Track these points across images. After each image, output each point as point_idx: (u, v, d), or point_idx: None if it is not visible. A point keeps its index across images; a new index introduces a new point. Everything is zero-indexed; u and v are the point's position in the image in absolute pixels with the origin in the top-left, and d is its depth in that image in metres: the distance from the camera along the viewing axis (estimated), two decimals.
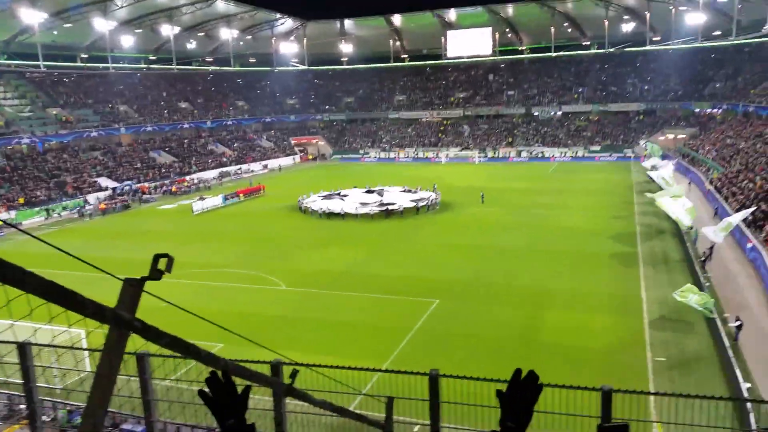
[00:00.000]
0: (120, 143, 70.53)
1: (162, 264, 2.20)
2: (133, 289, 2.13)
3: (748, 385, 16.14)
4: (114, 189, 57.85)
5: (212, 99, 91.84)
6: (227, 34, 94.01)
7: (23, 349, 7.88)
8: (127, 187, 58.60)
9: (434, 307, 25.34)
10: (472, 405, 6.92)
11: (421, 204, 47.01)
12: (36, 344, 7.73)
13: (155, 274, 2.17)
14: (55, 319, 2.11)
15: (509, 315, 24.22)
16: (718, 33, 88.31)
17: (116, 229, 45.82)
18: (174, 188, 61.43)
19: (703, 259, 28.78)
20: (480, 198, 49.13)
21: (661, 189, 39.50)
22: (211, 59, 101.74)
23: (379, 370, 9.86)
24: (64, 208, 51.22)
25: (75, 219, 49.96)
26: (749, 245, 29.30)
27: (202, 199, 52.65)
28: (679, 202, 32.61)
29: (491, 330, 22.71)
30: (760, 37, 77.94)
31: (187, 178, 65.88)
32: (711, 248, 29.62)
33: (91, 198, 54.45)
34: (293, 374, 4.18)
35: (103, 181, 58.85)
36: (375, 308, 25.82)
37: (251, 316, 24.56)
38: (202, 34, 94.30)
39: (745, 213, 29.50)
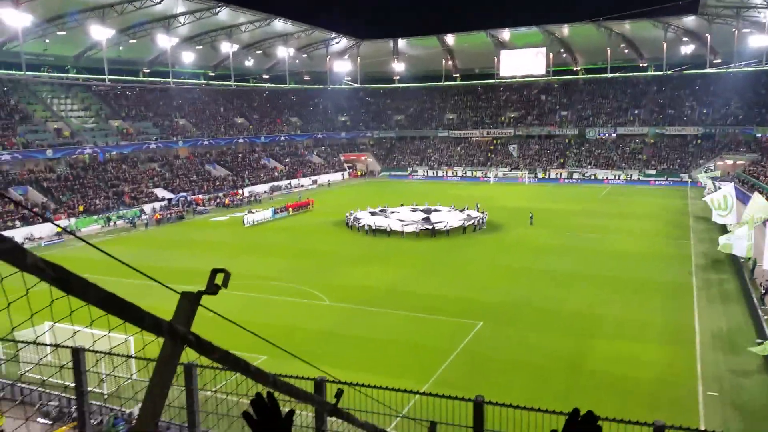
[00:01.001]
0: (177, 156, 72.93)
1: (219, 279, 2.23)
2: (189, 303, 2.17)
3: None
4: (169, 200, 59.76)
5: (267, 115, 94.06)
6: (284, 52, 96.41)
7: (77, 354, 8.21)
8: (182, 199, 60.43)
9: (478, 329, 25.05)
10: None
11: (467, 223, 46.72)
12: (89, 350, 8.04)
13: (212, 289, 2.20)
14: (111, 328, 2.22)
15: (556, 341, 23.66)
16: None
17: (170, 238, 47.28)
18: (227, 201, 62.99)
19: (763, 292, 27.51)
20: (529, 219, 48.46)
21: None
22: (267, 76, 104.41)
23: (422, 393, 9.75)
24: (120, 217, 53.15)
25: (131, 228, 51.78)
26: None
27: (251, 212, 53.76)
28: (742, 230, 31.12)
29: (536, 356, 22.24)
30: None
31: (240, 191, 67.43)
32: None
33: (148, 208, 56.39)
34: (338, 394, 4.20)
35: (160, 192, 60.89)
36: (418, 327, 25.71)
37: (295, 329, 24.85)
38: (260, 51, 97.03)
39: None
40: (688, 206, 56.16)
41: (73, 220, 49.81)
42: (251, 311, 26.72)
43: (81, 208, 52.28)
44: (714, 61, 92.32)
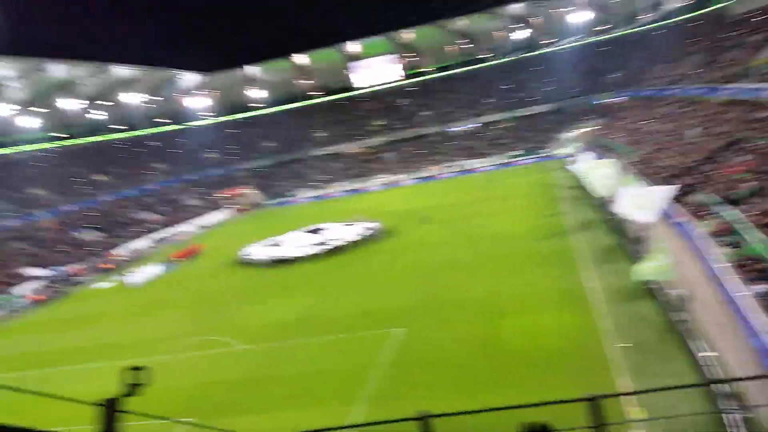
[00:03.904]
0: (41, 228, 67.22)
1: (134, 377, 2.23)
2: (108, 411, 2.15)
3: (715, 353, 17.05)
4: (42, 277, 54.94)
5: (129, 166, 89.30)
6: (131, 98, 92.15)
7: None
8: (56, 273, 55.79)
9: (393, 336, 25.49)
10: None
11: (362, 235, 47.32)
12: None
13: (130, 389, 2.20)
14: None
15: (467, 330, 24.62)
16: (602, 28, 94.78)
17: (52, 318, 43.55)
18: (105, 264, 59.00)
19: (635, 240, 30.31)
20: (420, 219, 50.05)
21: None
22: (121, 127, 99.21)
23: (367, 424, 9.86)
24: None
25: (8, 316, 47.03)
26: (675, 220, 31.12)
27: (132, 272, 50.78)
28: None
29: (454, 349, 23.03)
30: (640, 26, 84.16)
31: (118, 250, 63.46)
32: (642, 229, 31.23)
33: (19, 290, 51.49)
34: None
35: (30, 271, 55.79)
36: (335, 350, 25.58)
37: (211, 384, 23.90)
38: (107, 102, 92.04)
39: (669, 189, 31.12)
40: (554, 178, 60.63)
41: None
42: (160, 377, 25.32)
43: None
44: (545, 42, 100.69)
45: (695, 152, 39.07)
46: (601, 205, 38.06)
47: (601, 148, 60.23)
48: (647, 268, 23.10)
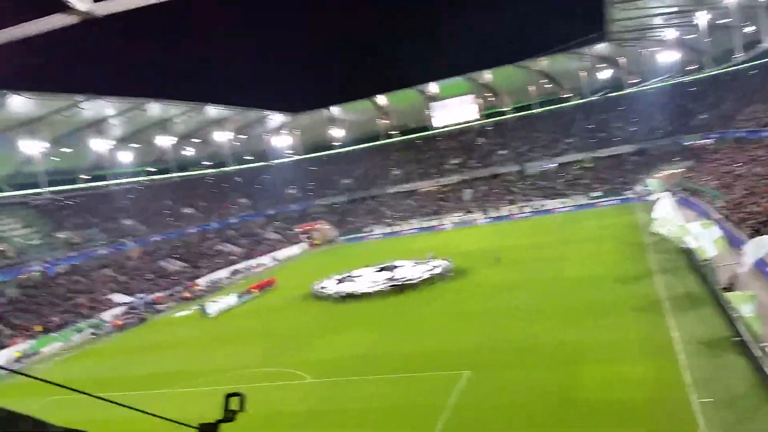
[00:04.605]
0: (129, 257, 71.21)
1: (234, 404, 2.20)
2: None
3: None
4: (127, 303, 57.89)
5: (215, 200, 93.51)
6: (221, 136, 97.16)
7: None
8: (139, 300, 58.65)
9: (463, 379, 24.78)
10: None
11: (432, 273, 46.91)
12: None
13: (228, 415, 2.17)
14: None
15: (540, 377, 23.54)
16: (693, 67, 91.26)
17: (135, 343, 45.58)
18: (186, 293, 61.45)
19: (725, 288, 28.35)
20: (493, 259, 49.08)
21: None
22: (209, 162, 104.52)
23: None
24: (79, 331, 51.00)
25: (93, 339, 49.70)
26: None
27: (214, 301, 52.46)
28: (708, 231, 32.00)
29: (525, 395, 22.05)
30: (734, 65, 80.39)
31: (199, 281, 66.01)
32: (734, 276, 29.22)
33: (106, 316, 54.43)
34: None
35: (117, 297, 58.97)
36: (403, 389, 25.14)
37: (280, 415, 24.03)
38: (198, 140, 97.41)
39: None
40: (638, 220, 58.05)
41: (31, 342, 47.53)
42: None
43: (39, 328, 49.95)
44: (632, 81, 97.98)
45: None
46: (689, 251, 35.86)
47: (686, 191, 57.39)
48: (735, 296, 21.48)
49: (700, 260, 32.37)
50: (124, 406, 2.27)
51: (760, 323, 20.88)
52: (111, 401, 2.14)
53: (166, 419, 2.28)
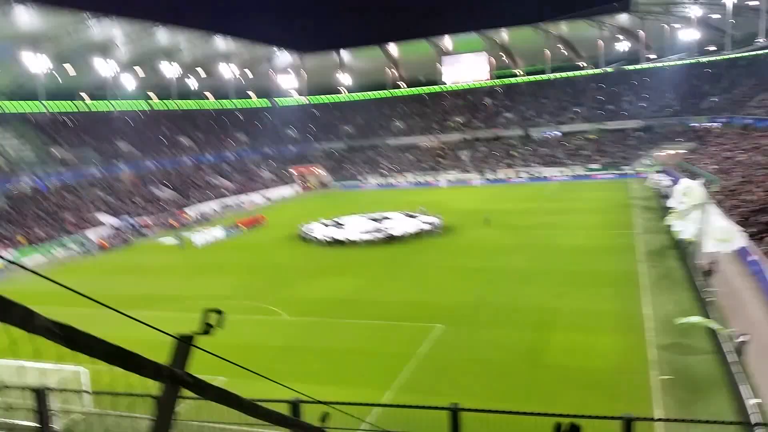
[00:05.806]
0: (121, 180, 70.89)
1: (212, 318, 2.28)
2: (184, 346, 2.25)
3: (758, 400, 15.79)
4: (114, 224, 57.91)
5: (213, 134, 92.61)
6: (227, 70, 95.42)
7: (40, 394, 7.65)
8: (125, 223, 58.61)
9: (437, 331, 25.08)
10: None
11: (422, 228, 46.93)
12: (51, 389, 7.66)
13: (206, 329, 2.25)
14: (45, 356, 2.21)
15: (514, 338, 23.89)
16: (712, 48, 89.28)
17: (118, 264, 45.88)
18: (174, 221, 61.44)
19: (706, 271, 28.43)
20: (483, 220, 49.05)
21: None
22: (211, 95, 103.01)
23: (396, 406, 9.72)
24: (62, 245, 51.10)
25: (76, 256, 49.97)
26: (750, 258, 29.01)
27: (199, 231, 52.47)
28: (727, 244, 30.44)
29: (496, 353, 22.42)
30: (754, 50, 78.72)
31: (187, 210, 65.97)
32: (713, 262, 29.28)
33: (91, 234, 54.50)
34: (324, 417, 4.45)
35: (103, 217, 58.90)
36: (378, 335, 25.57)
37: (254, 347, 24.26)
38: (203, 71, 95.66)
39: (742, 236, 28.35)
40: (631, 197, 57.91)
41: (12, 252, 47.64)
42: None
43: (22, 240, 50.06)
44: (648, 56, 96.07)
45: None
46: (676, 230, 35.75)
47: (683, 172, 56.98)
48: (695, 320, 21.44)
49: (685, 241, 32.31)
50: (127, 315, 2.41)
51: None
52: (118, 311, 2.26)
53: (150, 326, 2.43)
